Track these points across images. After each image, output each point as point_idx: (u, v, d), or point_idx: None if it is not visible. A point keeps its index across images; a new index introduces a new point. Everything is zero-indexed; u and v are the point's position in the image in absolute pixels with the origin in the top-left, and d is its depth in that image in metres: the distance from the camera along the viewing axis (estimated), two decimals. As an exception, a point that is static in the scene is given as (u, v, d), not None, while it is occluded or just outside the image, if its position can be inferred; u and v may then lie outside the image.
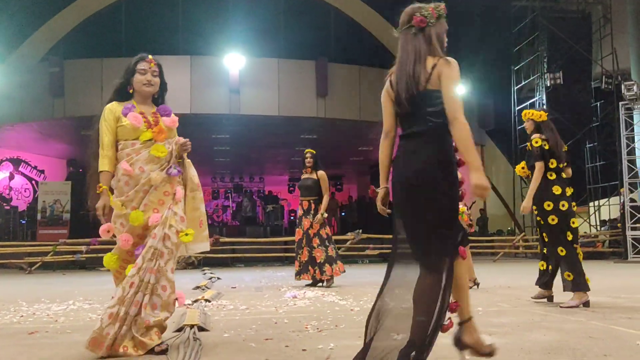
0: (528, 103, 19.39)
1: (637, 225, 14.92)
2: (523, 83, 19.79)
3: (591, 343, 3.35)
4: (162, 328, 3.34)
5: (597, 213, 19.54)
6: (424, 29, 2.69)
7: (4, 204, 18.10)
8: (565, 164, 5.38)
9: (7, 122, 16.07)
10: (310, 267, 7.51)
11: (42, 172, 19.89)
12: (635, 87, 14.34)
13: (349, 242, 15.43)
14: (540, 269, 5.54)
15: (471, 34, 18.99)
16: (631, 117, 15.33)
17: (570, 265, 5.09)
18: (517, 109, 19.83)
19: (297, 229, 7.80)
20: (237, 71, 15.34)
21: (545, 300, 5.38)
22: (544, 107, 18.19)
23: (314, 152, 8.00)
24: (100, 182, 3.37)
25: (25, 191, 19.64)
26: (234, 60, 15.23)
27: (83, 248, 14.88)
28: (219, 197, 25.35)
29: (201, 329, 4.04)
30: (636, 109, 15.09)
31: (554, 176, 5.26)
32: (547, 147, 5.25)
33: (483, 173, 2.55)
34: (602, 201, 19.32)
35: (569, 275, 5.08)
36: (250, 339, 3.68)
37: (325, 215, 7.74)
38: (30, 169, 19.66)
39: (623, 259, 15.38)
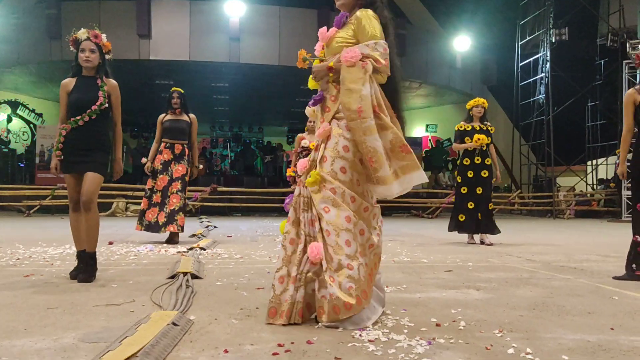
0: (532, 59, 19.14)
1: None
2: (528, 38, 19.49)
3: (576, 300, 3.41)
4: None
5: (594, 172, 19.56)
6: None
7: (2, 147, 18.06)
8: None
9: (4, 64, 15.87)
10: (178, 216, 6.75)
11: (40, 115, 19.77)
12: (640, 46, 14.13)
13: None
14: None
15: (477, -14, 18.56)
16: (634, 77, 15.15)
17: None
18: (520, 64, 19.59)
19: (161, 176, 6.83)
20: (237, 18, 15.07)
21: None
22: (548, 63, 17.98)
23: (182, 91, 7.15)
24: None
25: (23, 134, 19.56)
26: (235, 7, 14.94)
27: (81, 193, 14.82)
28: (217, 146, 25.31)
29: (194, 276, 4.10)
30: (640, 68, 14.87)
31: None
32: None
33: None
34: (600, 160, 19.32)
35: None
36: (242, 288, 3.74)
37: (201, 166, 7.33)
38: (29, 112, 19.52)
39: (617, 218, 15.52)
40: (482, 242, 7.10)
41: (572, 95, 18.60)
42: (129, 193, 14.86)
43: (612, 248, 6.88)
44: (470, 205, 7.05)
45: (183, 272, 4.10)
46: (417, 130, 23.13)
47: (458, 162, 7.47)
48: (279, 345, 2.33)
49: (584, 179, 19.25)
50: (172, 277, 4.08)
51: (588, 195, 18.85)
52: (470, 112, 7.24)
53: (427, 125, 23.27)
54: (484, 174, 7.10)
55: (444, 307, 3.14)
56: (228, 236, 8.21)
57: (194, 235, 7.92)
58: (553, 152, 17.76)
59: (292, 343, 2.36)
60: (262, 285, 3.83)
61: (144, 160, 7.17)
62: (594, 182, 19.58)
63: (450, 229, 7.30)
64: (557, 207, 17.08)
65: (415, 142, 21.63)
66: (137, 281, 3.99)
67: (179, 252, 5.93)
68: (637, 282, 4.14)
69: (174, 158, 6.93)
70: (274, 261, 5.24)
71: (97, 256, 4.14)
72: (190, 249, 6.08)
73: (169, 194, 6.81)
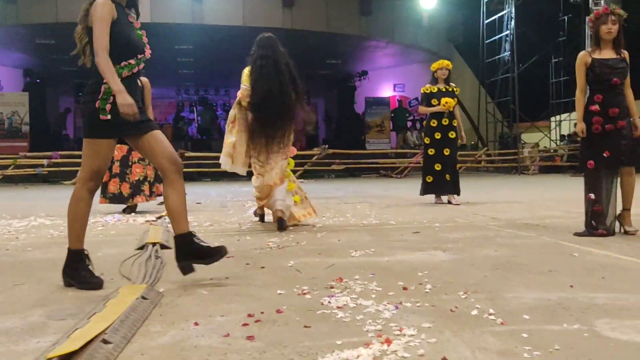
0: (497, 16, 19.16)
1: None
2: (493, -5, 19.47)
3: (538, 258, 3.52)
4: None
5: (558, 128, 19.92)
6: None
7: (-41, 116, 17.51)
8: None
9: (-44, 29, 15.25)
10: (144, 186, 6.71)
11: (-2, 82, 19.16)
12: (602, 2, 14.23)
13: (315, 157, 15.52)
14: None
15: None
16: (597, 33, 15.29)
17: None
18: (485, 22, 19.61)
19: (118, 145, 6.18)
20: (199, -22, 14.68)
21: None
22: (513, 20, 18.03)
23: None
24: None
25: (-20, 103, 18.95)
26: (196, -33, 14.53)
27: (44, 162, 14.63)
28: (183, 110, 24.95)
29: (163, 246, 4.09)
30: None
31: None
32: None
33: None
34: (563, 116, 19.67)
35: None
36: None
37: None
38: (-15, 79, 18.89)
39: (580, 172, 15.91)
40: (449, 202, 7.23)
41: (536, 52, 18.76)
42: (95, 161, 14.61)
43: (574, 204, 7.06)
44: (438, 167, 7.14)
45: (152, 243, 4.08)
46: (385, 89, 23.12)
47: (424, 123, 7.52)
48: (249, 315, 2.35)
49: (548, 135, 19.60)
50: (141, 247, 4.07)
51: (552, 150, 19.26)
52: (435, 74, 7.27)
53: (394, 85, 23.27)
54: (451, 135, 7.17)
55: (411, 270, 3.21)
56: (197, 203, 8.17)
57: (161, 203, 7.84)
58: (518, 109, 17.99)
59: (262, 313, 2.39)
60: (232, 254, 3.84)
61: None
62: (557, 138, 19.98)
63: (422, 193, 7.40)
64: (522, 163, 17.40)
65: (382, 102, 21.65)
66: (105, 253, 3.97)
67: (147, 221, 5.89)
68: (596, 238, 4.28)
69: None
70: (244, 228, 5.25)
71: (63, 228, 4.08)
72: (159, 217, 6.05)
73: (130, 164, 6.65)
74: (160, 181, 6.75)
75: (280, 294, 2.73)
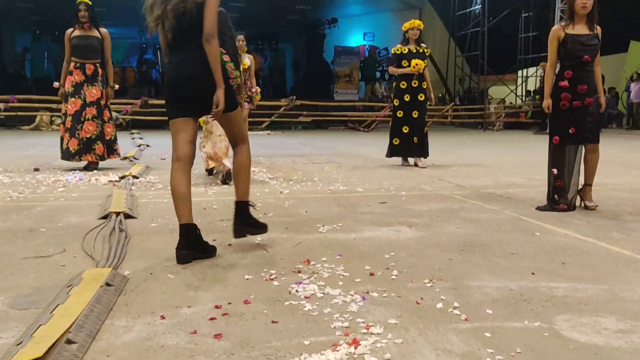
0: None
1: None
2: (467, -54, 19.13)
3: (500, 238, 3.59)
4: None
5: (524, 84, 20.08)
6: None
7: None
8: None
9: None
10: (96, 145, 6.48)
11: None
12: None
13: (282, 109, 15.35)
14: None
15: None
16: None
17: None
18: (458, -27, 19.33)
19: (72, 99, 6.40)
20: None
21: None
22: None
23: (89, 2, 6.50)
24: None
25: None
26: None
27: (1, 105, 14.14)
28: (147, 52, 24.18)
29: (128, 216, 4.03)
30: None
31: None
32: None
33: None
34: (530, 71, 19.80)
35: None
36: (178, 230, 3.69)
37: (117, 86, 6.87)
38: None
39: (543, 129, 16.17)
40: (416, 165, 7.27)
41: (507, 6, 18.65)
42: (54, 106, 14.14)
43: (537, 169, 7.18)
44: (405, 129, 7.14)
45: (116, 212, 4.01)
46: (354, 38, 22.80)
47: (394, 84, 7.46)
48: (216, 306, 2.34)
49: (514, 91, 19.76)
50: (105, 217, 3.99)
51: (517, 106, 19.46)
52: (407, 35, 7.16)
53: (364, 34, 22.95)
54: (420, 97, 7.15)
55: (378, 251, 3.23)
56: (162, 158, 8.02)
57: (125, 158, 7.70)
58: (486, 64, 18.01)
59: (229, 303, 2.39)
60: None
61: (56, 84, 6.78)
62: (523, 94, 20.17)
63: (388, 155, 7.41)
64: (488, 119, 17.57)
65: (352, 52, 21.38)
66: (67, 223, 3.88)
67: (110, 181, 5.78)
68: (558, 214, 4.38)
69: (86, 80, 6.43)
70: (210, 193, 5.20)
71: (23, 187, 3.97)
72: (123, 177, 5.93)
73: (82, 120, 6.39)
74: (116, 141, 6.68)
75: (247, 279, 2.72)
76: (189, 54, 3.01)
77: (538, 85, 17.84)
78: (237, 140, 3.32)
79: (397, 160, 7.56)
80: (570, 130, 4.44)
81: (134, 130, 13.85)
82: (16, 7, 18.44)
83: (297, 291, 2.55)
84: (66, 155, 6.47)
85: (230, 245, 3.36)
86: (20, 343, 1.90)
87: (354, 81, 20.95)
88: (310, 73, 21.99)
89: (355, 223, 3.97)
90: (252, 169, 4.85)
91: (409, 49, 7.13)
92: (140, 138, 11.79)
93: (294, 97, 15.54)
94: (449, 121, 18.20)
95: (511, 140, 13.19)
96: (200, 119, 4.11)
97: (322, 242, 3.45)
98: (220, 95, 2.98)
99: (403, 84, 7.18)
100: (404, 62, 7.10)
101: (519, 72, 20.23)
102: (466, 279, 2.76)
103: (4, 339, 2.03)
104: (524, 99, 19.83)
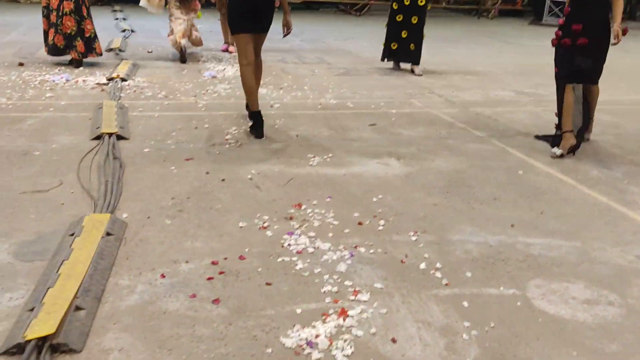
0: None
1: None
2: None
3: (485, 177, 3.71)
4: None
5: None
6: None
7: None
8: None
9: None
10: (76, 42, 6.27)
11: None
12: None
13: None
14: None
15: None
16: None
17: None
18: None
19: None
20: None
21: None
22: None
23: None
24: None
25: None
26: None
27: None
28: None
29: (120, 137, 4.05)
30: None
31: None
32: None
33: None
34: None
35: None
36: (171, 157, 3.76)
37: None
38: None
39: (538, 20, 15.79)
40: (412, 72, 7.16)
41: None
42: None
43: (526, 78, 7.18)
44: (404, 34, 6.94)
45: (108, 133, 4.03)
46: None
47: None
48: (213, 263, 2.49)
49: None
50: (97, 137, 4.02)
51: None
52: None
53: None
54: (421, 2, 6.88)
55: (366, 192, 3.35)
56: (148, 51, 7.83)
57: (111, 50, 7.50)
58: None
59: (225, 259, 2.53)
60: (190, 152, 3.86)
61: None
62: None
63: (383, 58, 7.26)
64: (483, 6, 17.03)
65: None
66: (60, 144, 3.91)
67: (98, 83, 5.70)
68: (544, 144, 4.44)
69: None
70: (200, 104, 5.18)
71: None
72: (110, 79, 5.84)
73: (61, 14, 6.11)
74: (96, 38, 6.48)
75: (241, 227, 2.84)
76: None
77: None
78: (258, 54, 4.40)
79: (387, 65, 7.45)
80: (556, 69, 4.35)
81: (116, 6, 13.27)
82: None
83: (289, 244, 2.69)
84: (52, 50, 6.27)
85: (223, 180, 3.44)
86: (32, 309, 2.04)
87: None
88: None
89: (345, 154, 4.04)
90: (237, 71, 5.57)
91: None
92: (124, 19, 11.34)
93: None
94: (443, 7, 17.61)
95: (505, 33, 12.91)
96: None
97: (312, 179, 3.54)
98: (289, 20, 4.39)
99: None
100: None
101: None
102: (449, 231, 2.92)
103: (14, 299, 2.16)
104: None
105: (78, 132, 4.19)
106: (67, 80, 5.74)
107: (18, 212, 2.88)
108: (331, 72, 7.08)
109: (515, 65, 8.31)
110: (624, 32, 4.10)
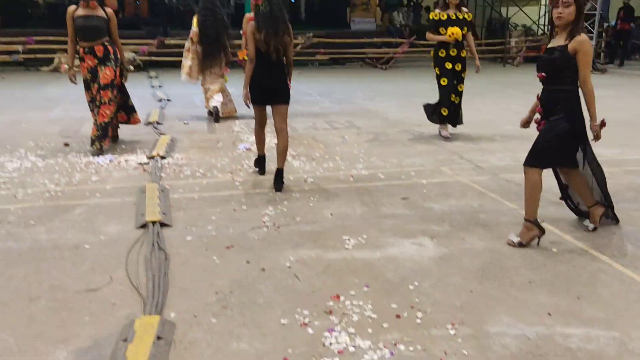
0: None
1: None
2: None
3: (519, 261, 3.77)
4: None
5: (547, 13, 19.43)
6: None
7: None
8: None
9: None
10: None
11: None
12: None
13: (299, 47, 15.17)
14: None
15: None
16: None
17: None
18: None
19: (93, 84, 6.29)
20: None
21: None
22: None
23: None
24: None
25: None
26: None
27: (19, 47, 14.16)
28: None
29: (162, 224, 4.23)
30: None
31: None
32: None
33: None
34: None
35: None
36: (212, 246, 3.90)
37: (131, 68, 6.86)
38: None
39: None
40: (439, 133, 7.25)
41: None
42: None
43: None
44: (455, 99, 7.08)
45: (152, 222, 4.22)
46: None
47: (432, 53, 7.30)
48: (259, 367, 2.60)
49: (536, 22, 19.19)
50: (143, 226, 4.21)
51: (538, 34, 18.94)
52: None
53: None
54: (457, 67, 7.06)
55: (403, 279, 3.43)
56: (184, 123, 8.15)
57: (150, 124, 7.84)
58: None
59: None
60: (230, 238, 4.01)
61: (64, 67, 6.85)
62: (546, 23, 19.59)
63: (434, 121, 7.30)
64: (508, 54, 17.23)
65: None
66: (108, 235, 4.10)
67: (140, 163, 5.96)
68: (573, 218, 4.48)
69: (99, 62, 6.23)
70: (237, 182, 5.37)
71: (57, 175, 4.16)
72: (151, 157, 6.10)
73: (98, 104, 6.27)
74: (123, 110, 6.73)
75: (283, 324, 2.95)
76: (279, 69, 5.10)
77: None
78: (281, 125, 5.16)
79: (415, 126, 7.58)
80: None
81: (151, 72, 13.83)
82: None
83: (330, 343, 2.78)
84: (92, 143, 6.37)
85: (263, 270, 3.57)
86: None
87: (371, 9, 20.43)
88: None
89: (380, 233, 4.14)
90: (271, 141, 5.93)
91: (448, 15, 6.90)
92: (160, 86, 11.82)
93: (311, 34, 15.30)
94: (468, 56, 17.84)
95: (530, 83, 12.94)
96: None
97: (349, 264, 3.64)
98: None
99: (442, 52, 7.03)
100: (442, 30, 6.93)
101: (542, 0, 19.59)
102: (486, 322, 2.97)
103: (77, 413, 2.30)
104: (546, 28, 19.28)
105: (124, 220, 4.40)
106: (111, 161, 6.01)
107: (73, 315, 3.05)
108: (361, 137, 7.26)
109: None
110: (602, 125, 3.97)
